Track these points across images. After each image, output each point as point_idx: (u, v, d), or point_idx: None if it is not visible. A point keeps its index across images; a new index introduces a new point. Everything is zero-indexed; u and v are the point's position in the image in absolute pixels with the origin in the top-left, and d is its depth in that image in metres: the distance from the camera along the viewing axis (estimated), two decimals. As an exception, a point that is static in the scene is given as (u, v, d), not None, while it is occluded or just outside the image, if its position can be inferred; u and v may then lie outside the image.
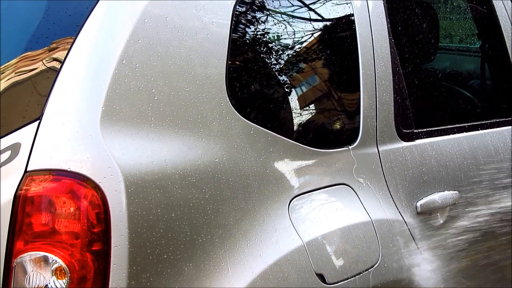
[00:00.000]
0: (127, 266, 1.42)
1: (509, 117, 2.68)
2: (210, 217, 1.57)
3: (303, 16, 1.95)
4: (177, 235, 1.52)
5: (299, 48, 1.94)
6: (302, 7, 1.95)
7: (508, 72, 2.74)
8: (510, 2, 2.79)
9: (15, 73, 1.60)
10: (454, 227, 2.25)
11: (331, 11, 2.03)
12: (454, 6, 2.69)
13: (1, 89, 1.59)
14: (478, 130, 2.47)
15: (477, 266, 2.51)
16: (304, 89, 1.94)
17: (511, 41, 2.76)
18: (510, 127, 2.65)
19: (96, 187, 1.40)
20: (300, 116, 1.91)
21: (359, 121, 1.99)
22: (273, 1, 1.86)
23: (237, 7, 1.74)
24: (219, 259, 1.58)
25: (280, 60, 1.88)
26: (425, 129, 2.23)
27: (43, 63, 1.55)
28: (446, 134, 2.32)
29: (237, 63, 1.73)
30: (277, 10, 1.87)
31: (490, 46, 2.85)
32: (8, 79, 1.60)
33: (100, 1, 1.54)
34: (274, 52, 1.87)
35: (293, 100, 1.90)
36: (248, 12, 1.80)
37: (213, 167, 1.59)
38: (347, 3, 2.04)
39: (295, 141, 1.80)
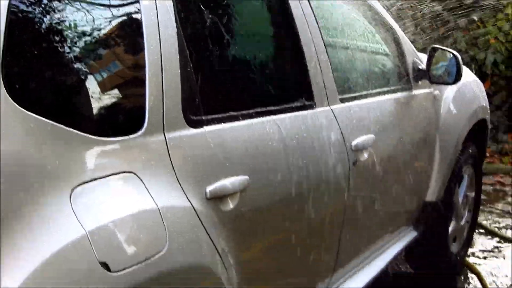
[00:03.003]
0: None
1: (299, 103, 2.91)
2: (-14, 213, 1.63)
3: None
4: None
5: (83, 36, 2.02)
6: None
7: (298, 60, 2.97)
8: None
9: None
10: (245, 212, 2.43)
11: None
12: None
13: None
14: (269, 115, 2.67)
15: (271, 249, 2.72)
16: (86, 77, 2.01)
17: (305, 29, 3.00)
18: (302, 112, 2.89)
19: None
20: (82, 104, 1.99)
21: (145, 109, 2.10)
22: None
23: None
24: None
25: (62, 49, 1.94)
26: (214, 116, 2.38)
27: None
28: (236, 120, 2.48)
29: (16, 52, 1.78)
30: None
31: (283, 33, 3.08)
32: None
33: None
34: (56, 42, 1.94)
35: (75, 88, 1.98)
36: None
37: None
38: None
39: (76, 130, 1.87)
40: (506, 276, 4.77)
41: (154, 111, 2.13)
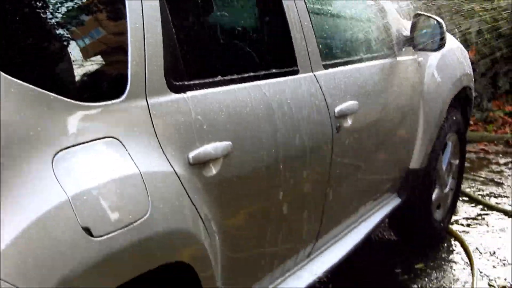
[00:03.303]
0: None
1: (283, 68, 2.92)
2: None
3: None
4: None
5: (64, 2, 2.02)
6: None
7: (282, 26, 2.97)
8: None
9: None
10: (228, 178, 2.44)
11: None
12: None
13: None
14: (252, 81, 2.68)
15: (254, 216, 2.74)
16: (68, 43, 2.01)
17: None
18: (285, 78, 2.90)
19: None
20: (64, 70, 1.99)
21: (127, 74, 2.10)
22: None
23: None
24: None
25: (44, 14, 1.94)
26: (197, 81, 2.39)
27: None
28: (219, 86, 2.49)
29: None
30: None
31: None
32: None
33: None
34: (38, 7, 1.94)
35: (57, 54, 1.98)
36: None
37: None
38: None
39: (59, 95, 1.87)
40: (490, 243, 4.83)
41: (136, 77, 2.13)
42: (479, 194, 5.88)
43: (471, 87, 4.88)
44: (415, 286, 4.19)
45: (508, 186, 6.18)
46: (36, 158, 1.77)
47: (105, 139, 1.98)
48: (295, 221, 3.00)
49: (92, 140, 1.94)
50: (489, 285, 4.18)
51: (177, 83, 2.29)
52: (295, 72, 2.95)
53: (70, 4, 2.05)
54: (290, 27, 2.96)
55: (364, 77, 3.54)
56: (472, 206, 5.61)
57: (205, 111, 2.37)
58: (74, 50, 2.04)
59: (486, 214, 5.43)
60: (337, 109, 3.13)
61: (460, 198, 5.51)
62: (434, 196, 4.57)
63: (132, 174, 2.00)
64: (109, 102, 2.04)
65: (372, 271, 4.31)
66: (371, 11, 3.96)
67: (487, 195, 5.90)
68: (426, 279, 4.27)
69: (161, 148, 2.15)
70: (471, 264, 4.45)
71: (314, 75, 3.06)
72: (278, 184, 2.76)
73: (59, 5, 2.00)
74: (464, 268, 4.45)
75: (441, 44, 4.03)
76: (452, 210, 5.03)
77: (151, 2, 2.22)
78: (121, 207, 1.92)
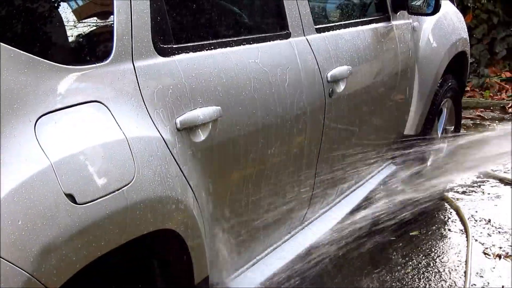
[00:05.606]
0: None
1: (274, 32, 2.88)
2: None
3: None
4: None
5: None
6: None
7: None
8: None
9: None
10: (216, 143, 2.40)
11: None
12: None
13: None
14: (243, 45, 2.63)
15: (243, 182, 2.69)
16: (53, 5, 1.97)
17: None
18: (276, 41, 2.85)
19: None
20: (49, 32, 1.95)
21: (113, 37, 2.06)
22: None
23: None
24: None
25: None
26: (185, 44, 2.35)
27: None
28: (208, 49, 2.45)
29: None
30: None
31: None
32: None
33: None
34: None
35: (41, 15, 1.93)
36: None
37: None
38: None
39: (42, 58, 1.83)
40: (485, 211, 4.82)
41: (122, 39, 2.09)
42: (474, 161, 5.86)
43: (467, 52, 4.84)
44: (410, 253, 4.17)
45: (504, 153, 6.16)
46: (17, 123, 1.73)
47: (90, 103, 1.94)
48: (286, 188, 2.97)
49: (76, 104, 1.90)
50: (484, 253, 4.17)
51: (165, 46, 2.25)
52: (287, 36, 2.90)
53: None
54: (281, -12, 2.90)
55: (357, 41, 3.49)
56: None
57: (193, 75, 2.33)
58: (57, 12, 1.99)
59: (482, 182, 5.41)
60: (329, 73, 3.09)
61: (456, 165, 5.48)
62: (429, 163, 4.55)
63: (117, 140, 1.96)
64: (93, 65, 2.00)
65: (366, 238, 4.29)
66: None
67: (483, 162, 5.88)
68: (421, 247, 4.26)
69: (148, 113, 2.12)
70: (466, 231, 4.44)
71: (306, 39, 3.01)
72: (268, 150, 2.73)
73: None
74: (459, 236, 4.44)
75: (436, 8, 3.99)
76: (448, 177, 5.01)
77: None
78: (106, 173, 1.89)
